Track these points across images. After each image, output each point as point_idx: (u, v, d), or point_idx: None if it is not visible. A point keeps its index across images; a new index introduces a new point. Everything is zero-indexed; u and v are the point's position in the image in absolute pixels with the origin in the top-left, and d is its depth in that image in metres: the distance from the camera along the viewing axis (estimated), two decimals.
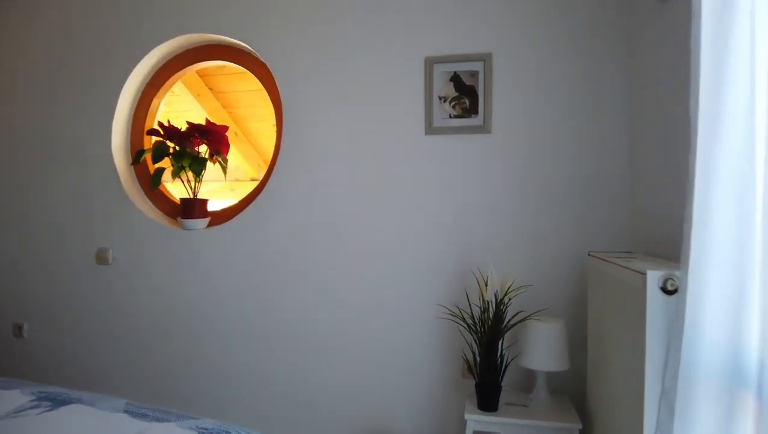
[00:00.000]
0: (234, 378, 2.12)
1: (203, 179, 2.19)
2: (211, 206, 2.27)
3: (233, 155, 3.60)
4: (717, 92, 0.83)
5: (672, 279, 1.01)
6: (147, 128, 2.36)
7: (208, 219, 2.19)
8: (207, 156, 2.17)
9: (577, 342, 1.72)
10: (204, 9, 2.18)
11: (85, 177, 2.31)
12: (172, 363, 2.19)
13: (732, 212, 0.82)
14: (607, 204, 1.78)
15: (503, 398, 1.64)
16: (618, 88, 1.78)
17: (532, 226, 1.84)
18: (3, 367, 2.40)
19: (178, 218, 2.17)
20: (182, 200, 2.18)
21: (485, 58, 1.88)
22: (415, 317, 1.93)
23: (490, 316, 1.63)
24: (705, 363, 0.84)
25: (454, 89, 1.92)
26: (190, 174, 2.14)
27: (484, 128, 1.88)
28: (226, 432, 1.16)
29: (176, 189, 2.40)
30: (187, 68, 2.35)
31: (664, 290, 1.02)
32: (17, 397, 1.29)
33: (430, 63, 1.93)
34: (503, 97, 1.88)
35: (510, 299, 1.63)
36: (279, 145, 2.11)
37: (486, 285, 1.65)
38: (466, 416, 1.58)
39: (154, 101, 2.39)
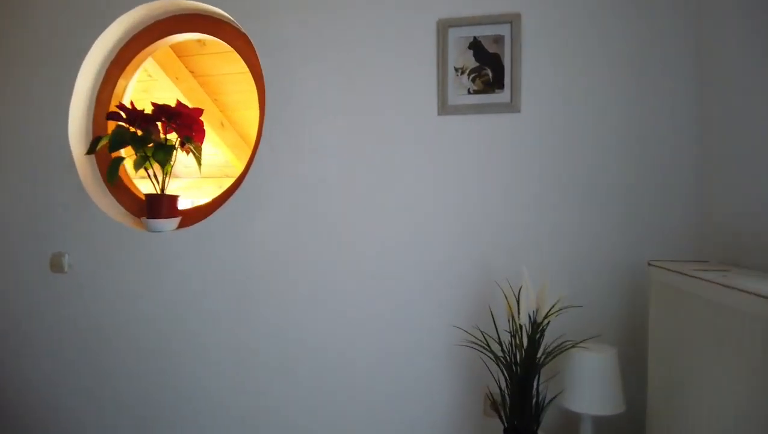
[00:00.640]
0: (205, 402, 1.77)
1: (184, 174, 1.83)
2: (183, 204, 1.92)
3: (220, 148, 3.26)
4: None
5: None
6: None
7: (178, 219, 1.84)
8: (177, 144, 1.82)
9: (635, 378, 1.36)
10: None
11: (38, 169, 1.96)
12: (133, 389, 1.84)
13: None
14: (669, 201, 1.42)
15: None
16: (687, 53, 1.41)
17: (574, 228, 1.48)
18: None
19: (142, 219, 1.82)
20: (147, 196, 1.83)
21: (513, 20, 1.52)
22: (425, 338, 1.57)
23: (523, 343, 1.27)
24: None
25: (473, 59, 1.56)
26: (157, 166, 1.79)
27: (511, 106, 1.52)
28: None
29: (148, 187, 2.04)
30: (156, 43, 2.00)
31: None
32: None
33: (443, 27, 1.57)
34: (535, 68, 1.52)
35: (549, 321, 1.27)
36: (261, 130, 1.77)
37: (518, 302, 1.29)
38: None
39: (120, 81, 2.04)
